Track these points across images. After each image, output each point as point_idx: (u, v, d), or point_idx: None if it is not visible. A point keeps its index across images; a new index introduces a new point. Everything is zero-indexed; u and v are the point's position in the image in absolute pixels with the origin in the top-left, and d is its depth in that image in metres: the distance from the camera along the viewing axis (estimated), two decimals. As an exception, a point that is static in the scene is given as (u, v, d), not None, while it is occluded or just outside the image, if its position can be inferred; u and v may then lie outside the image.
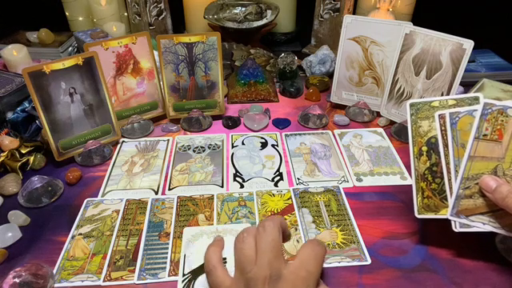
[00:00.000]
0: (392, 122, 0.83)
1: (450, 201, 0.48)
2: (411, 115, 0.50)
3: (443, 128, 0.48)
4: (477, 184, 0.47)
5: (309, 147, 0.77)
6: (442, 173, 0.48)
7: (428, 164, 0.48)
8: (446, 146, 0.48)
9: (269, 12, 1.09)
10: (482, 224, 0.47)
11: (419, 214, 0.48)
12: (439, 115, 0.48)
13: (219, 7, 1.10)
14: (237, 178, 0.69)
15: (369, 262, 0.53)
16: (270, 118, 0.85)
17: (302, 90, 0.97)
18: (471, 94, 0.49)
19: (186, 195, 0.64)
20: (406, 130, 0.77)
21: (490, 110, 0.46)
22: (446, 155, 0.48)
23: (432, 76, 0.73)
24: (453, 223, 0.49)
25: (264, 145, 0.77)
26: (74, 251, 0.55)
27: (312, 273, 0.41)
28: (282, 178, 0.69)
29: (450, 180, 0.48)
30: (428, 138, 0.49)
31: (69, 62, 0.67)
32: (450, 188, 0.48)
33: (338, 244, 0.55)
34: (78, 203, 0.63)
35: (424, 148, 0.49)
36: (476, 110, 0.46)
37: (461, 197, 0.47)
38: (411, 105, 0.50)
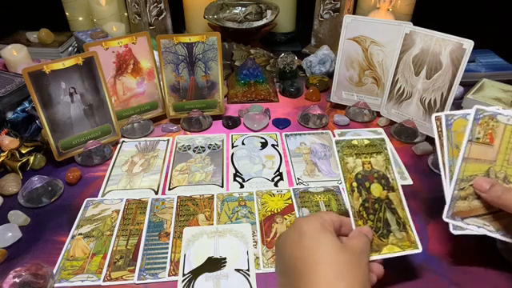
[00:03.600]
0: (392, 122, 0.83)
1: (446, 202, 0.49)
2: (338, 152, 0.52)
3: (439, 129, 0.51)
4: (471, 185, 0.48)
5: (309, 147, 0.77)
6: (374, 209, 0.50)
7: (360, 200, 0.50)
8: (442, 145, 0.50)
9: (269, 12, 1.09)
10: (476, 227, 0.48)
11: None
12: (436, 117, 0.51)
13: (219, 7, 1.10)
14: (237, 178, 0.69)
15: (369, 261, 0.53)
16: (270, 118, 0.85)
17: (301, 90, 0.97)
18: (378, 136, 0.54)
19: (186, 195, 0.64)
20: (406, 130, 0.78)
21: (481, 115, 0.49)
22: (443, 155, 0.50)
23: (432, 76, 0.73)
24: (450, 225, 0.49)
25: (264, 145, 0.77)
26: (74, 251, 0.55)
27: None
28: (282, 178, 0.69)
29: (447, 179, 0.49)
30: (355, 173, 0.51)
31: (69, 62, 0.67)
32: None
33: (337, 244, 0.55)
34: (78, 203, 0.63)
35: (354, 184, 0.50)
36: (469, 114, 0.49)
37: (456, 198, 0.48)
38: (336, 142, 0.52)
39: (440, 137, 0.51)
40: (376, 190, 0.51)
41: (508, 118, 0.49)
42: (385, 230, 0.49)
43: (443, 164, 0.50)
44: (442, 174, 0.50)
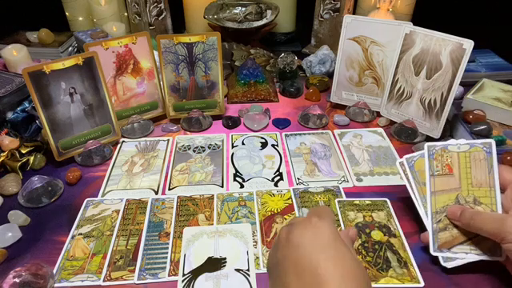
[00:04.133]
0: (392, 122, 0.83)
1: (430, 237, 0.51)
2: (339, 208, 0.61)
3: (405, 172, 0.56)
4: (446, 216, 0.51)
5: (309, 147, 0.77)
6: (374, 248, 0.55)
7: (360, 241, 0.55)
8: (411, 187, 0.55)
9: (269, 12, 1.09)
10: (464, 254, 0.49)
11: None
12: (400, 163, 0.57)
13: (219, 7, 1.10)
14: (237, 178, 0.69)
15: (369, 262, 0.53)
16: (270, 118, 0.85)
17: (301, 90, 0.97)
18: (380, 199, 0.62)
19: (186, 195, 0.64)
20: (406, 130, 0.78)
21: (434, 151, 0.54)
22: (414, 195, 0.54)
23: (432, 76, 0.73)
24: (440, 259, 0.50)
25: (264, 145, 0.77)
26: (74, 251, 0.55)
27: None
28: (282, 178, 0.69)
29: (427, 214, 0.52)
30: (355, 223, 0.58)
31: (69, 62, 0.67)
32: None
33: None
34: (78, 203, 0.63)
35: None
36: (424, 153, 0.54)
37: (437, 231, 0.50)
38: (338, 201, 0.62)
39: (407, 178, 0.55)
40: (376, 235, 0.57)
41: (458, 146, 0.53)
42: (384, 265, 0.52)
43: (417, 202, 0.54)
44: (420, 212, 0.53)
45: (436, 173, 0.53)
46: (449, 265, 0.50)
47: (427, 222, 0.52)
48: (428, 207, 0.51)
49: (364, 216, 0.60)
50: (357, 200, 0.63)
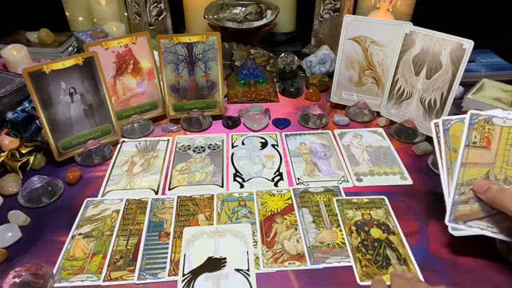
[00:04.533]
0: (392, 122, 0.83)
1: (447, 207, 0.49)
2: (338, 206, 0.61)
3: (438, 134, 0.52)
4: (471, 189, 0.49)
5: (309, 147, 0.77)
6: (373, 246, 0.54)
7: (359, 239, 0.56)
8: (440, 149, 0.51)
9: (269, 12, 1.09)
10: (479, 229, 0.48)
11: (361, 281, 0.51)
12: (434, 123, 0.53)
13: (219, 7, 1.10)
14: (237, 178, 0.69)
15: (369, 262, 0.53)
16: (270, 118, 0.85)
17: (301, 90, 0.97)
18: (378, 196, 0.62)
19: (186, 195, 0.64)
20: (406, 130, 0.78)
21: (476, 120, 0.50)
22: (441, 158, 0.51)
23: (432, 76, 0.73)
24: (449, 227, 0.50)
25: (264, 145, 0.77)
26: (74, 251, 0.55)
27: None
28: (281, 178, 0.69)
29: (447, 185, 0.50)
30: (354, 221, 0.58)
31: (69, 62, 0.67)
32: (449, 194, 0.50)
33: (337, 244, 0.55)
34: (78, 203, 0.63)
35: (353, 228, 0.57)
36: (465, 118, 0.50)
37: (457, 203, 0.48)
38: (337, 200, 0.62)
39: (439, 141, 0.52)
40: (375, 232, 0.57)
41: (504, 120, 0.49)
42: (384, 262, 0.52)
43: (442, 167, 0.51)
44: (442, 177, 0.51)
45: (472, 144, 0.50)
46: (456, 233, 0.48)
47: (446, 189, 0.49)
48: (454, 178, 0.49)
49: (362, 214, 0.60)
50: (355, 198, 0.63)
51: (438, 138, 0.52)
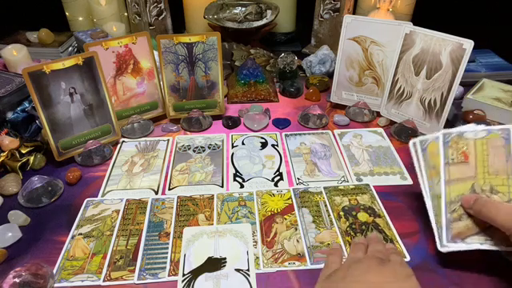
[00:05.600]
0: (392, 122, 0.83)
1: (442, 228, 0.49)
2: (326, 193, 0.63)
3: (417, 153, 0.54)
4: (461, 206, 0.49)
5: (309, 147, 0.77)
6: (361, 229, 0.57)
7: (347, 223, 0.58)
8: (420, 169, 0.53)
9: (269, 12, 1.09)
10: (479, 244, 0.48)
11: None
12: (412, 143, 0.55)
13: (219, 7, 1.10)
14: (237, 178, 0.69)
15: (369, 262, 0.53)
16: (270, 118, 0.85)
17: (301, 90, 0.97)
18: (362, 183, 0.65)
19: (186, 195, 0.64)
20: (406, 130, 0.78)
21: (449, 138, 0.52)
22: (422, 178, 0.52)
23: (432, 76, 0.73)
24: (437, 244, 0.49)
25: (264, 145, 0.77)
26: (74, 251, 0.55)
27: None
28: (281, 178, 0.69)
29: (436, 207, 0.50)
30: (342, 206, 0.61)
31: (69, 62, 0.67)
32: (437, 215, 0.50)
33: (337, 244, 0.55)
34: (78, 203, 0.63)
35: (341, 213, 0.60)
36: (439, 137, 0.53)
37: (450, 221, 0.49)
38: (324, 188, 0.64)
39: (418, 160, 0.53)
40: (362, 216, 0.59)
41: (475, 133, 0.51)
42: None
43: (424, 187, 0.52)
44: (424, 195, 0.52)
45: (451, 161, 0.51)
46: (444, 249, 0.48)
47: (429, 207, 0.50)
48: (442, 197, 0.49)
49: (349, 200, 0.63)
50: (341, 186, 0.66)
51: (417, 156, 0.53)
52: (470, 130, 0.51)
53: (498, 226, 0.46)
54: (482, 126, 0.51)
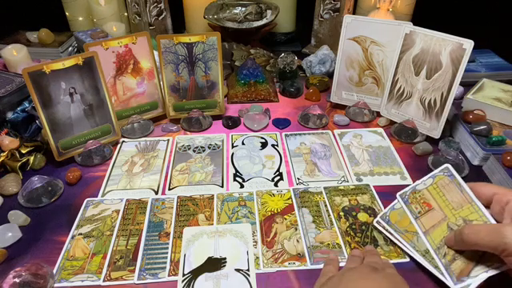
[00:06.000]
0: (392, 122, 0.83)
1: (444, 273, 0.49)
2: (326, 194, 0.64)
3: (385, 228, 0.56)
4: (448, 247, 0.50)
5: (309, 147, 0.77)
6: (361, 229, 0.57)
7: (347, 224, 0.59)
8: (396, 239, 0.54)
9: (269, 12, 1.09)
10: (485, 273, 0.47)
11: None
12: (377, 222, 0.57)
13: (219, 7, 1.10)
14: (237, 178, 0.69)
15: (369, 262, 0.53)
16: (270, 118, 0.85)
17: (301, 90, 0.97)
18: (363, 183, 0.67)
19: (186, 195, 0.64)
20: (406, 130, 0.78)
21: (406, 197, 0.57)
22: (402, 243, 0.54)
23: (432, 76, 0.73)
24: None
25: (264, 145, 0.77)
26: (74, 251, 0.55)
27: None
28: (281, 178, 0.69)
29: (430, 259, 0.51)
30: (342, 207, 0.62)
31: (69, 62, 0.67)
32: (436, 267, 0.50)
33: (337, 244, 0.55)
34: (78, 203, 0.63)
35: (341, 213, 0.61)
36: (394, 205, 0.57)
37: (448, 265, 0.49)
38: (325, 188, 0.65)
39: (390, 232, 0.56)
40: (362, 216, 0.60)
41: (423, 183, 0.56)
42: (372, 244, 0.55)
43: (409, 250, 0.53)
44: (415, 257, 0.52)
45: (419, 214, 0.54)
46: None
47: (424, 263, 0.51)
48: (429, 248, 0.51)
49: (349, 200, 0.63)
50: (342, 186, 0.66)
51: (387, 231, 0.56)
52: (418, 182, 0.57)
53: (484, 249, 0.45)
54: (426, 177, 0.56)
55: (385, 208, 0.59)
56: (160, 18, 1.14)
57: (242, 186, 0.67)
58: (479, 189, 0.51)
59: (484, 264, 0.48)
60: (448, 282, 0.48)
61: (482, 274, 0.47)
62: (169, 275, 0.51)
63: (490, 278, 0.47)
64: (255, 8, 1.08)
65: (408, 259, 0.53)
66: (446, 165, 0.55)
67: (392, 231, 0.55)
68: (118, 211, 0.61)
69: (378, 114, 0.85)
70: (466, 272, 0.48)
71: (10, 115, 0.75)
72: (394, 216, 0.57)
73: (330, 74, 0.98)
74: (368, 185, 0.66)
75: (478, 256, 0.48)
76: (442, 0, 1.20)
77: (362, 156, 0.74)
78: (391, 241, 0.55)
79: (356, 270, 0.45)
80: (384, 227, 0.56)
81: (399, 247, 0.54)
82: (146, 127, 0.82)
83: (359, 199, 0.63)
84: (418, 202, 0.55)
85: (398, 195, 0.58)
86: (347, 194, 0.64)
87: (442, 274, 0.49)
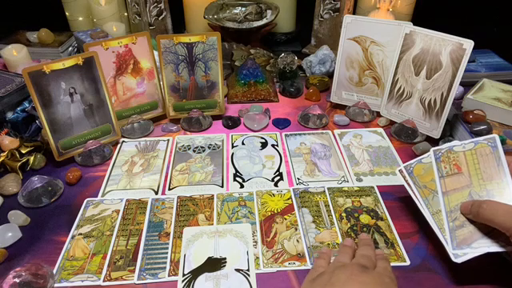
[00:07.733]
0: (392, 122, 0.83)
1: (443, 239, 0.50)
2: (329, 194, 0.64)
3: (406, 178, 0.57)
4: (461, 213, 0.51)
5: (309, 147, 0.77)
6: (362, 231, 0.57)
7: (349, 225, 0.59)
8: (412, 191, 0.55)
9: (269, 12, 1.09)
10: (486, 248, 0.48)
11: None
12: (399, 170, 0.58)
13: (219, 7, 1.10)
14: (237, 178, 0.69)
15: (369, 262, 0.53)
16: (270, 118, 0.85)
17: (301, 90, 0.97)
18: (368, 184, 0.66)
19: (186, 195, 0.64)
20: (406, 130, 0.78)
21: (440, 154, 0.55)
22: (417, 199, 0.54)
23: (432, 76, 0.73)
24: (451, 255, 0.49)
25: (264, 145, 0.77)
26: (74, 251, 0.55)
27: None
28: (282, 178, 0.69)
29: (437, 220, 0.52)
30: (344, 208, 0.62)
31: (69, 62, 0.67)
32: (441, 229, 0.51)
33: (337, 244, 0.55)
34: (78, 203, 0.63)
35: (343, 214, 0.60)
36: (422, 158, 0.57)
37: (453, 229, 0.50)
38: (328, 188, 0.65)
39: (408, 184, 0.56)
40: (364, 218, 0.60)
41: (463, 146, 0.55)
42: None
43: (421, 205, 0.54)
44: (424, 214, 0.53)
45: (445, 174, 0.54)
46: (460, 260, 0.48)
47: (433, 223, 0.51)
48: (442, 207, 0.51)
49: (352, 201, 0.63)
50: (345, 187, 0.66)
51: (406, 181, 0.56)
52: (458, 143, 0.55)
53: (497, 227, 0.45)
54: (469, 140, 0.55)
55: (401, 227, 0.58)
56: (160, 18, 1.14)
57: (242, 186, 0.67)
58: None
59: (489, 239, 0.48)
60: (448, 246, 0.49)
61: (483, 247, 0.48)
62: (169, 275, 0.51)
63: (488, 259, 0.47)
64: (255, 8, 1.08)
65: (408, 263, 0.53)
66: (493, 135, 0.54)
67: (411, 183, 0.55)
68: (117, 211, 0.61)
69: (378, 114, 0.85)
70: (468, 241, 0.49)
71: (9, 115, 0.75)
72: (419, 169, 0.56)
73: (330, 74, 0.98)
74: (373, 187, 0.66)
75: (486, 230, 0.49)
76: (442, 0, 1.20)
77: (362, 156, 0.74)
78: (392, 244, 0.55)
79: (346, 270, 0.44)
80: (405, 177, 0.56)
81: (400, 249, 0.54)
82: (146, 127, 0.82)
83: (362, 201, 0.63)
84: (449, 162, 0.54)
85: (432, 150, 0.56)
86: (351, 195, 0.64)
87: (445, 237, 0.49)
